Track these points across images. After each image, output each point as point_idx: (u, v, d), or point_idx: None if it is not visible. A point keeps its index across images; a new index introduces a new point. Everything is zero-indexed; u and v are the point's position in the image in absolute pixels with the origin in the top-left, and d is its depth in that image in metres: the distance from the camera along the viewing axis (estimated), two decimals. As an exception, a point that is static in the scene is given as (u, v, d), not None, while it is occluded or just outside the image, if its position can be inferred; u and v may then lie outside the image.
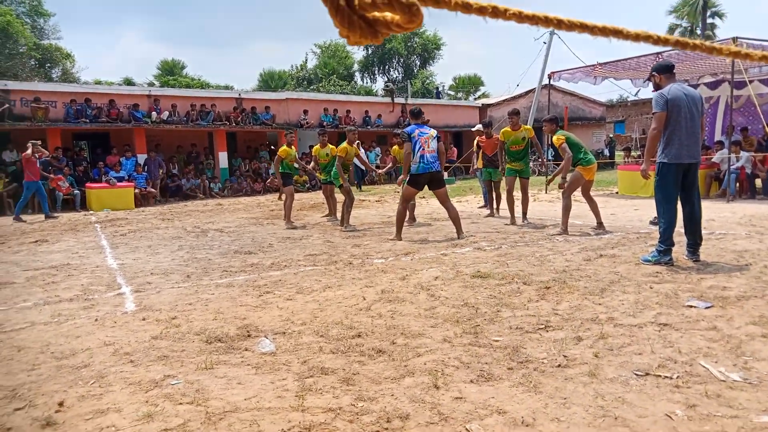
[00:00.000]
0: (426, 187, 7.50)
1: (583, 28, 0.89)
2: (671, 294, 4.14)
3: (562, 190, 7.57)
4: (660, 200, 5.33)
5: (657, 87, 5.35)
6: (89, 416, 2.50)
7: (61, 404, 2.63)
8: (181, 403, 2.60)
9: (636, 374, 2.73)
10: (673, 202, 5.26)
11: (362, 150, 11.71)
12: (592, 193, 7.91)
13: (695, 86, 15.02)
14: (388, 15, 0.73)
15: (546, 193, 13.95)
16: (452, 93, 43.16)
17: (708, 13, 38.95)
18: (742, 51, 1.12)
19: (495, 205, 10.02)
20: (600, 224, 7.60)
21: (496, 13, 0.78)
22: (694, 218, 5.27)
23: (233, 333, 3.64)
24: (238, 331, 3.69)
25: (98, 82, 30.30)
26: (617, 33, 0.94)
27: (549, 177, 7.67)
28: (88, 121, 16.50)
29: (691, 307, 3.81)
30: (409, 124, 7.84)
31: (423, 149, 7.25)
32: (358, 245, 7.16)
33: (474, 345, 3.25)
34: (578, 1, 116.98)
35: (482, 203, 10.93)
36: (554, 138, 7.48)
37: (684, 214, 5.32)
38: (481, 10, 0.77)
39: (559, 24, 0.83)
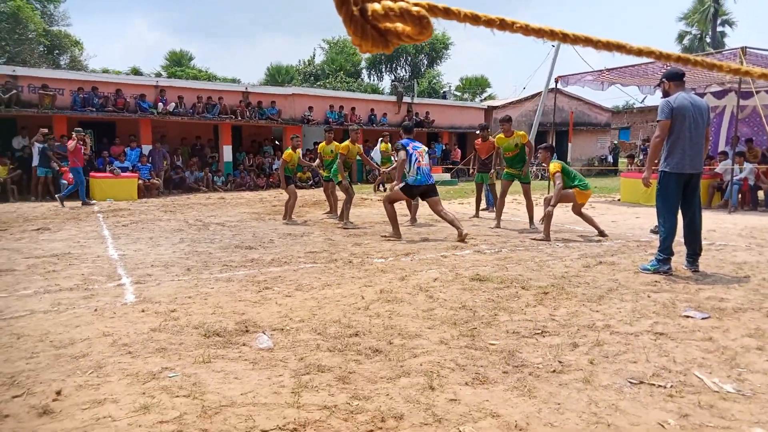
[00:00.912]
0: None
1: (587, 42, 0.91)
2: (669, 303, 4.16)
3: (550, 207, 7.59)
4: (660, 209, 5.33)
5: (666, 94, 5.34)
6: (86, 406, 2.53)
7: (58, 393, 2.66)
8: (177, 396, 2.62)
9: (630, 382, 2.75)
10: (673, 212, 5.26)
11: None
12: (585, 209, 7.95)
13: (702, 95, 14.99)
14: (400, 26, 0.76)
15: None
16: (458, 94, 43.12)
17: (719, 21, 38.87)
18: (742, 68, 1.14)
19: (477, 207, 10.18)
20: (600, 232, 7.59)
21: (503, 25, 0.81)
22: (694, 228, 5.28)
23: (231, 328, 3.66)
24: (236, 326, 3.71)
25: (106, 71, 30.36)
26: (620, 48, 0.96)
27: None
28: (94, 109, 16.56)
29: (687, 317, 3.82)
30: (411, 131, 7.95)
31: (419, 161, 7.45)
32: (358, 244, 7.18)
33: (470, 348, 3.26)
34: (590, 8, 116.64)
35: (484, 206, 10.94)
36: (550, 166, 7.61)
37: (684, 223, 5.32)
38: (489, 23, 0.80)
39: (565, 38, 0.85)
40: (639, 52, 1.00)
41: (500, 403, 2.53)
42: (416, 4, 0.76)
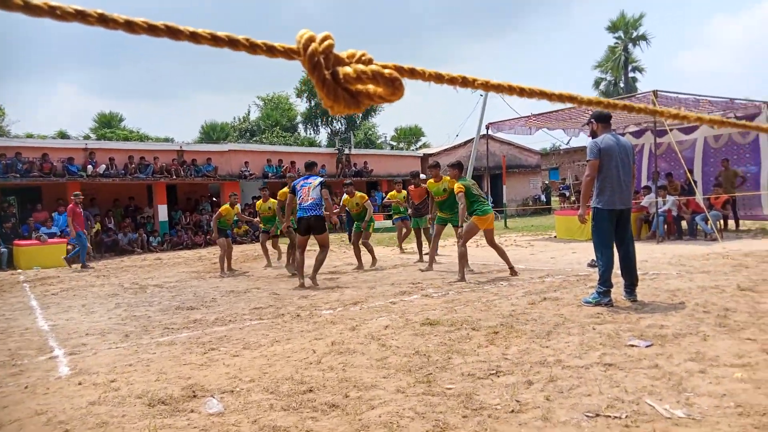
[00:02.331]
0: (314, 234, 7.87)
1: (541, 95, 0.96)
2: (613, 334, 4.28)
3: (458, 239, 7.85)
4: (597, 244, 5.55)
5: (593, 134, 5.66)
6: (19, 494, 2.31)
7: (-14, 482, 2.42)
8: (122, 473, 2.44)
9: (587, 416, 2.78)
10: (609, 246, 5.49)
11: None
12: (502, 238, 8.23)
13: (621, 134, 15.96)
14: (371, 87, 0.78)
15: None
16: (394, 143, 44.04)
17: (630, 68, 41.88)
18: (656, 109, 1.23)
19: (420, 251, 10.32)
20: (511, 269, 7.75)
21: (465, 83, 0.85)
22: (629, 260, 5.51)
23: (177, 394, 3.48)
24: (182, 391, 3.53)
25: (30, 136, 29.23)
26: (543, 94, 1.03)
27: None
28: (18, 176, 15.80)
29: (632, 346, 3.94)
30: (310, 168, 8.44)
31: (302, 198, 7.80)
32: (304, 296, 7.06)
33: (427, 394, 3.23)
34: (513, 57, 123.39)
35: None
36: (455, 185, 7.89)
37: (620, 256, 5.55)
38: (452, 81, 0.84)
39: (521, 92, 0.91)
40: (560, 98, 1.07)
41: (463, 449, 2.50)
42: (385, 66, 0.79)
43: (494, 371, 3.57)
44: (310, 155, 23.89)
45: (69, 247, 14.63)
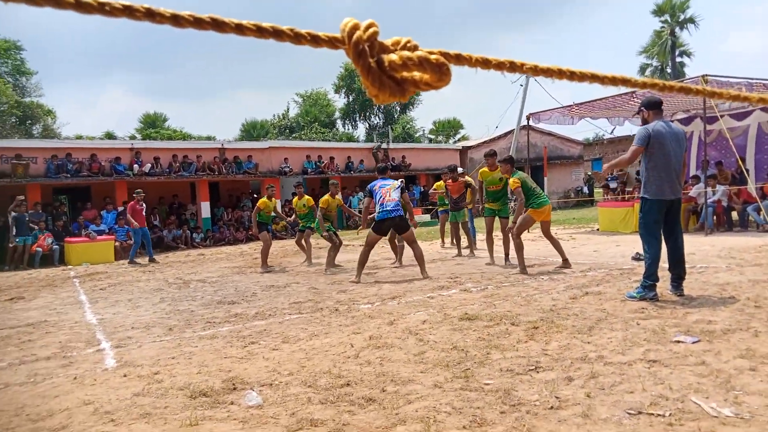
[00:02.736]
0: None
1: (593, 78, 0.93)
2: (658, 330, 4.14)
3: (510, 231, 7.82)
4: (644, 235, 5.35)
5: (644, 122, 5.43)
6: (67, 482, 2.39)
7: (37, 470, 2.52)
8: (164, 464, 2.50)
9: (629, 413, 2.70)
10: (657, 237, 5.29)
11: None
12: (558, 232, 8.07)
13: (671, 122, 15.44)
14: (417, 75, 0.77)
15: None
16: (432, 137, 43.82)
17: (677, 53, 40.46)
18: (707, 90, 1.17)
19: (459, 246, 10.25)
20: (565, 261, 7.69)
21: (513, 67, 0.83)
22: (677, 252, 5.32)
23: (218, 386, 3.55)
24: (223, 384, 3.59)
25: (79, 137, 30.31)
26: (594, 78, 0.99)
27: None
28: (69, 175, 16.42)
29: (678, 342, 3.81)
30: (384, 171, 8.47)
31: (383, 198, 7.81)
32: (343, 291, 7.10)
33: (465, 389, 3.19)
34: (551, 48, 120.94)
35: (466, 244, 10.96)
36: (510, 180, 7.82)
37: (668, 249, 5.36)
38: (500, 66, 0.82)
39: (572, 75, 0.88)
40: (613, 81, 1.02)
41: (500, 445, 2.46)
42: (431, 52, 0.77)
43: (533, 367, 3.51)
44: (348, 150, 24.05)
45: (116, 244, 15.13)
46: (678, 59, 40.65)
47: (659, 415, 2.66)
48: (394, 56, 0.77)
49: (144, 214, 13.53)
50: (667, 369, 3.29)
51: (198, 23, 0.71)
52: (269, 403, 3.20)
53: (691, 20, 39.95)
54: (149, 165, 18.01)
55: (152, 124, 42.37)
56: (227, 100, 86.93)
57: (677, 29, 40.20)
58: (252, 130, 42.48)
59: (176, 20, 0.70)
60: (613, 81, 0.94)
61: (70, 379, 3.95)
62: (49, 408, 3.36)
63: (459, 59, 0.81)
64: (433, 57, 0.77)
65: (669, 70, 40.27)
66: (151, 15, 0.69)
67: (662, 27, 40.52)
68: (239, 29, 0.73)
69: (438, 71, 0.77)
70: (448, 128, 46.22)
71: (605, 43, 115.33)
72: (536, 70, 0.86)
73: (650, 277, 5.19)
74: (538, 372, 3.42)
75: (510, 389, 3.14)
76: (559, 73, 0.88)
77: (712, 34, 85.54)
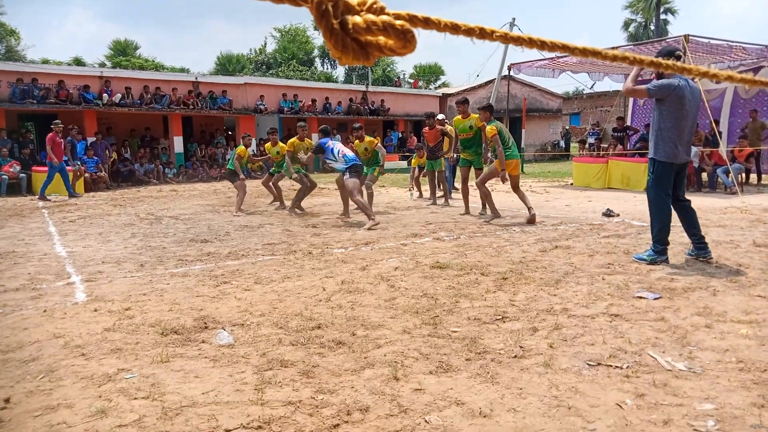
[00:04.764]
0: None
1: (564, 49, 0.91)
2: (622, 285, 4.28)
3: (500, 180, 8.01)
4: (654, 200, 5.05)
5: (660, 76, 5.02)
6: (38, 413, 2.42)
7: (7, 401, 2.54)
8: (135, 398, 2.54)
9: (588, 364, 2.82)
10: (667, 202, 5.03)
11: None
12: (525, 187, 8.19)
13: (647, 82, 15.48)
14: (382, 39, 0.74)
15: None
16: (411, 82, 43.18)
17: (661, 10, 40.13)
18: (677, 65, 1.16)
19: (434, 195, 10.40)
20: (532, 216, 7.64)
21: (483, 34, 0.80)
22: (692, 215, 5.10)
23: (190, 325, 3.58)
24: (194, 322, 3.62)
25: (46, 62, 29.05)
26: (596, 54, 0.97)
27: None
28: (35, 102, 15.82)
29: (640, 298, 3.95)
30: (328, 133, 8.68)
31: (342, 151, 8.09)
32: (317, 234, 7.12)
33: (433, 336, 3.28)
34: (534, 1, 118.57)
35: (440, 193, 11.02)
36: (487, 128, 7.83)
37: (681, 215, 5.15)
38: (469, 32, 0.79)
39: (542, 45, 0.86)
40: (614, 58, 1.01)
41: (464, 391, 2.56)
42: (398, 17, 0.74)
43: (500, 317, 3.61)
44: (326, 91, 23.58)
45: (87, 175, 14.80)
46: (662, 16, 40.38)
47: (617, 366, 2.78)
48: (358, 18, 0.74)
49: (63, 147, 12.79)
50: (627, 323, 3.42)
51: None
52: (240, 343, 3.25)
53: (680, -24, 39.47)
54: (119, 95, 17.45)
55: (122, 52, 40.79)
56: (202, 29, 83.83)
57: (664, -15, 39.75)
58: (227, 64, 41.24)
59: None
60: (584, 52, 0.92)
61: (39, 312, 3.94)
62: (18, 340, 3.35)
63: (427, 23, 0.78)
64: (398, 23, 0.74)
65: (653, 27, 40.06)
66: None
67: (650, -19, 40.01)
68: None
69: (402, 38, 0.75)
70: (429, 73, 45.60)
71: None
72: (506, 38, 0.84)
73: (662, 241, 4.98)
74: (504, 322, 3.52)
75: (476, 337, 3.24)
76: (530, 42, 0.87)
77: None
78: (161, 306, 4.03)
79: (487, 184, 8.05)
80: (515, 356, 2.95)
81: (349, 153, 8.23)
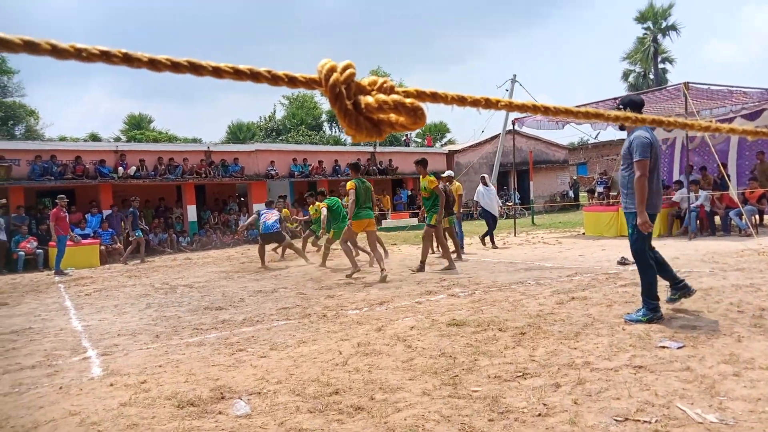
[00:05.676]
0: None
1: (567, 113, 0.95)
2: (643, 335, 4.20)
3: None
4: (642, 253, 4.81)
5: (622, 126, 5.12)
6: (54, 495, 2.37)
7: (23, 483, 2.49)
8: (152, 475, 2.49)
9: (616, 420, 2.73)
10: (650, 255, 4.87)
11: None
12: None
13: (652, 128, 15.65)
14: (393, 117, 0.78)
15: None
16: (419, 140, 43.92)
17: (659, 59, 40.98)
18: (679, 121, 1.20)
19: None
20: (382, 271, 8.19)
21: (488, 104, 0.84)
22: (661, 261, 5.01)
23: (206, 395, 3.53)
24: (211, 393, 3.58)
25: (63, 139, 30.00)
26: (599, 116, 1.01)
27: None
28: (53, 178, 16.23)
29: (663, 347, 3.86)
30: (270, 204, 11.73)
31: (265, 219, 11.05)
32: (331, 296, 7.09)
33: (453, 397, 3.21)
34: (538, 53, 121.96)
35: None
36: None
37: (653, 260, 4.94)
38: (475, 103, 0.83)
39: (546, 110, 0.89)
40: (616, 119, 1.05)
41: (489, 454, 2.48)
42: (407, 94, 0.78)
43: (521, 373, 3.53)
44: (335, 154, 24.02)
45: (102, 248, 14.99)
46: (660, 65, 41.18)
47: (645, 421, 2.69)
48: (370, 99, 0.78)
49: (67, 221, 12.98)
50: (652, 375, 3.33)
51: (175, 67, 0.71)
52: (257, 413, 3.19)
53: (673, 27, 40.53)
54: (134, 167, 17.87)
55: (137, 126, 42.04)
56: (213, 101, 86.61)
57: (659, 36, 40.74)
58: (238, 132, 42.30)
59: (154, 65, 0.70)
60: (587, 116, 0.96)
61: (55, 389, 3.91)
62: (34, 419, 3.32)
63: (435, 97, 0.82)
64: (408, 101, 0.78)
65: (652, 76, 40.78)
66: (128, 60, 0.69)
67: (645, 33, 41.06)
68: (216, 72, 0.73)
69: (413, 115, 0.79)
70: (435, 132, 46.36)
71: (591, 49, 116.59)
72: (511, 106, 0.88)
73: (655, 297, 4.72)
74: (525, 378, 3.44)
75: (498, 396, 3.16)
76: (533, 109, 0.90)
77: (693, 42, 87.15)
78: (177, 377, 3.99)
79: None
80: (539, 414, 2.87)
81: (269, 221, 11.06)
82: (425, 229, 9.14)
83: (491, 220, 12.08)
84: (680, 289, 4.98)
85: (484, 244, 12.30)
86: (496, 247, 11.78)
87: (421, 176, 9.10)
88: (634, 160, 4.74)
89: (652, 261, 4.81)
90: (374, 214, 9.05)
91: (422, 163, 9.10)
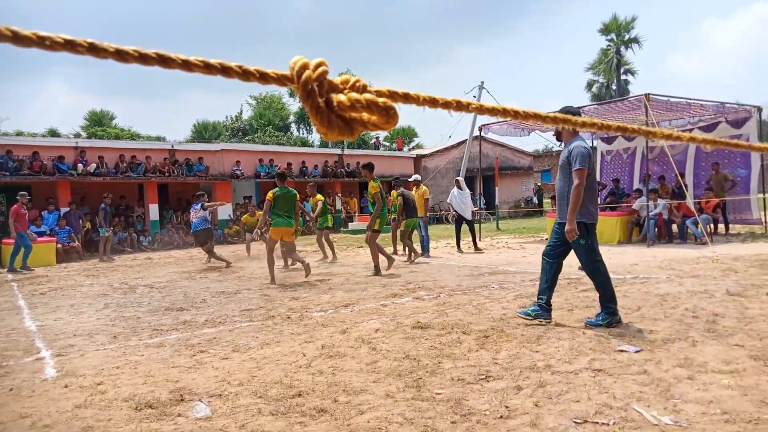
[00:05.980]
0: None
1: (536, 117, 0.97)
2: (603, 339, 4.29)
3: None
4: (591, 261, 4.81)
5: (559, 135, 5.22)
6: (2, 500, 2.28)
7: (-32, 488, 2.39)
8: (107, 480, 2.41)
9: (575, 422, 2.78)
10: (602, 262, 4.86)
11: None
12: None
13: (613, 138, 16.06)
14: (365, 115, 0.78)
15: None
16: (387, 144, 44.05)
17: (622, 70, 42.11)
18: (643, 129, 1.23)
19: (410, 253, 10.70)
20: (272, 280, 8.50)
21: (459, 107, 0.85)
22: (557, 275, 5.04)
23: (165, 397, 3.45)
24: (170, 395, 3.50)
25: (20, 134, 28.97)
26: (566, 121, 1.03)
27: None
28: (8, 173, 15.68)
29: (622, 351, 3.95)
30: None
31: (192, 217, 11.10)
32: (296, 298, 7.03)
33: (417, 399, 3.22)
34: (508, 61, 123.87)
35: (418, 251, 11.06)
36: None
37: (554, 269, 5.02)
38: (446, 105, 0.84)
39: (516, 114, 0.90)
40: (583, 124, 1.07)
41: (451, 455, 2.49)
42: (380, 94, 0.78)
43: (484, 376, 3.56)
44: (302, 155, 23.89)
45: (59, 246, 14.54)
46: (623, 77, 42.33)
47: (604, 423, 2.75)
48: (342, 97, 0.78)
49: (27, 219, 12.83)
50: (611, 378, 3.41)
51: (143, 59, 0.69)
52: (218, 415, 3.13)
53: (636, 40, 41.73)
54: (94, 165, 17.42)
55: (98, 122, 40.93)
56: (178, 100, 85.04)
57: (622, 48, 41.89)
58: (204, 132, 41.64)
59: (121, 55, 0.68)
60: (555, 120, 0.98)
61: (5, 391, 3.76)
62: (-18, 421, 3.19)
63: (407, 98, 0.82)
64: (380, 100, 0.78)
65: (614, 87, 41.87)
66: (94, 50, 0.67)
67: (608, 45, 42.18)
68: (186, 65, 0.72)
69: (385, 114, 0.79)
70: (404, 135, 46.54)
71: (556, 59, 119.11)
72: (482, 110, 0.90)
73: (614, 301, 4.74)
74: (488, 381, 3.48)
75: (461, 398, 3.18)
76: (503, 113, 0.92)
77: (655, 55, 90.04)
78: (135, 379, 3.90)
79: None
80: (501, 417, 2.90)
81: (194, 219, 10.96)
82: (366, 235, 9.24)
83: (468, 224, 12.11)
84: (544, 308, 4.94)
85: (477, 249, 12.12)
86: (462, 252, 11.87)
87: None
88: (574, 168, 4.78)
89: (603, 266, 4.81)
90: (294, 225, 8.86)
91: (368, 167, 9.21)
